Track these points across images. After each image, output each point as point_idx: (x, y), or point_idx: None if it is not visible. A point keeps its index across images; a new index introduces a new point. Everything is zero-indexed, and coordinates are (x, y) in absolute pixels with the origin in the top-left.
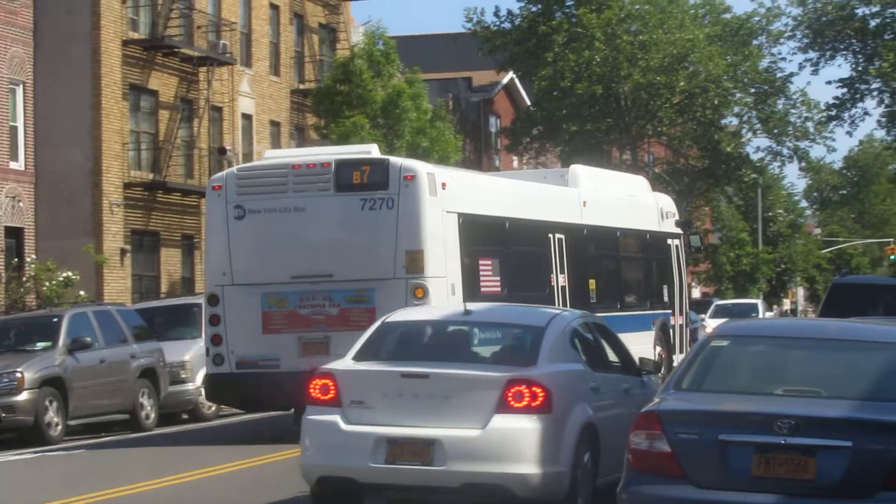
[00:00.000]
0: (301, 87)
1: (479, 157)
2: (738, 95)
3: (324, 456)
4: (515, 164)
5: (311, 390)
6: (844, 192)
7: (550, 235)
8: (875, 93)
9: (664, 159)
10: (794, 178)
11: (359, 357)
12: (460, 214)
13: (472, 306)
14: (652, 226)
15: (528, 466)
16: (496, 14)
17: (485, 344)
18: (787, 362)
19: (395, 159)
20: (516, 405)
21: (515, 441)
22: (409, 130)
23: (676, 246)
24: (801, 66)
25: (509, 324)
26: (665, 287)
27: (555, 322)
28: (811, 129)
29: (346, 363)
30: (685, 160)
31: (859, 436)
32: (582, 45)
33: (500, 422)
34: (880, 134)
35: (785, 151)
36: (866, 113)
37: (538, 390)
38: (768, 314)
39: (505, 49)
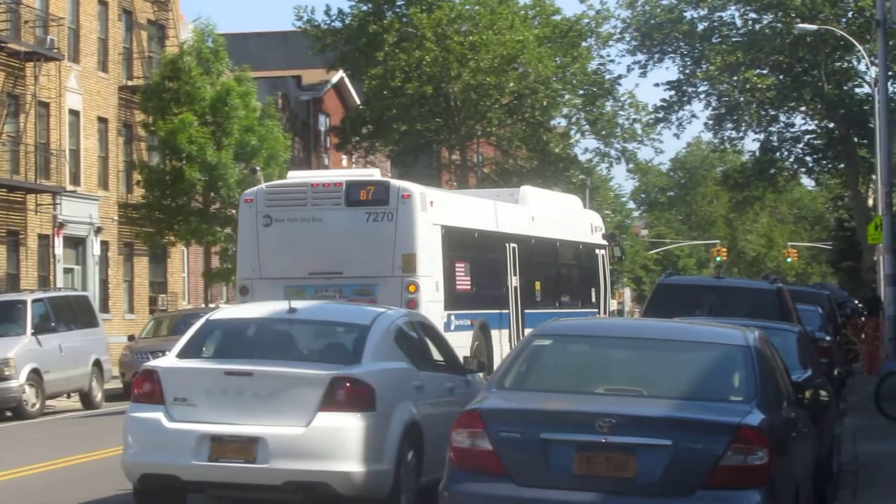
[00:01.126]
0: (129, 83)
1: (308, 155)
2: (567, 97)
3: (146, 453)
4: (345, 162)
5: (135, 388)
6: (672, 193)
7: (507, 244)
8: (702, 95)
9: (493, 159)
10: (621, 179)
11: (182, 354)
12: (443, 226)
13: (297, 304)
14: (584, 238)
15: (352, 464)
16: (327, 13)
17: (309, 342)
18: (609, 361)
19: (394, 181)
20: (340, 403)
21: (339, 439)
22: (237, 128)
23: (602, 255)
24: (629, 69)
25: (334, 322)
26: (593, 290)
27: (379, 321)
28: (639, 131)
29: (169, 361)
30: (514, 161)
31: (679, 435)
32: (412, 44)
33: (324, 420)
34: (707, 136)
35: (613, 153)
36: (693, 115)
37: (362, 388)
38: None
39: (335, 48)
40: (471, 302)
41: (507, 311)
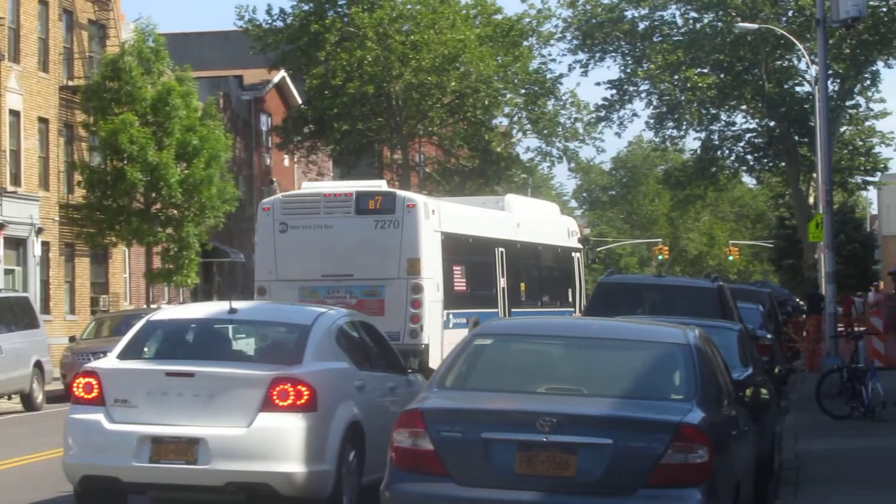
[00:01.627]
0: (70, 83)
1: (249, 155)
2: (509, 96)
3: (87, 455)
4: (286, 162)
5: (75, 389)
6: (613, 192)
7: (496, 249)
8: (643, 94)
9: (435, 159)
10: (563, 178)
11: (123, 355)
12: (443, 233)
13: (237, 304)
14: (562, 241)
15: (293, 465)
16: (268, 12)
17: (250, 342)
18: (550, 361)
19: (400, 192)
20: (281, 404)
21: (280, 439)
22: (178, 128)
23: (577, 258)
24: (570, 68)
25: (275, 322)
26: (570, 290)
27: (320, 321)
28: (580, 130)
29: (110, 362)
30: (456, 160)
31: (619, 433)
32: (354, 44)
33: (265, 420)
34: (648, 135)
35: (554, 152)
36: (635, 114)
37: (303, 389)
38: None
39: (277, 47)
40: (466, 301)
41: (496, 309)
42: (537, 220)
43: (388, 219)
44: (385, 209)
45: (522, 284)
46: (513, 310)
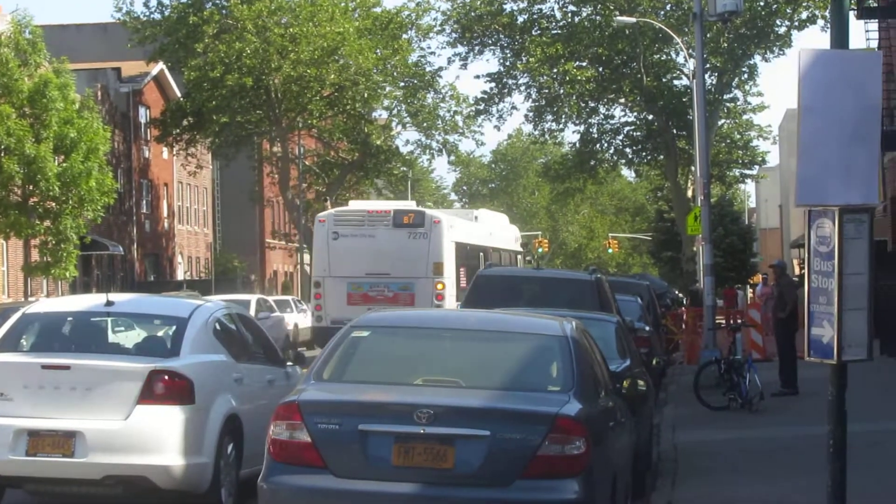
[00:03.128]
0: None
1: (128, 148)
2: (388, 89)
3: None
4: (165, 154)
5: None
6: (493, 185)
7: (480, 253)
8: (522, 87)
9: (314, 152)
10: (443, 171)
11: None
12: (456, 242)
13: (114, 297)
14: (513, 246)
15: (171, 458)
16: (146, 4)
17: (128, 335)
18: (428, 352)
19: (428, 211)
20: (158, 396)
21: (157, 432)
22: (56, 121)
23: (520, 258)
24: (450, 61)
25: (152, 315)
26: None
27: (198, 313)
28: (460, 123)
29: None
30: (335, 153)
31: (497, 425)
32: (232, 36)
33: (142, 413)
34: (528, 128)
35: (434, 145)
36: (514, 107)
37: (180, 381)
38: None
39: (155, 40)
40: None
41: None
42: (499, 229)
43: (418, 231)
44: (416, 224)
45: None
46: None
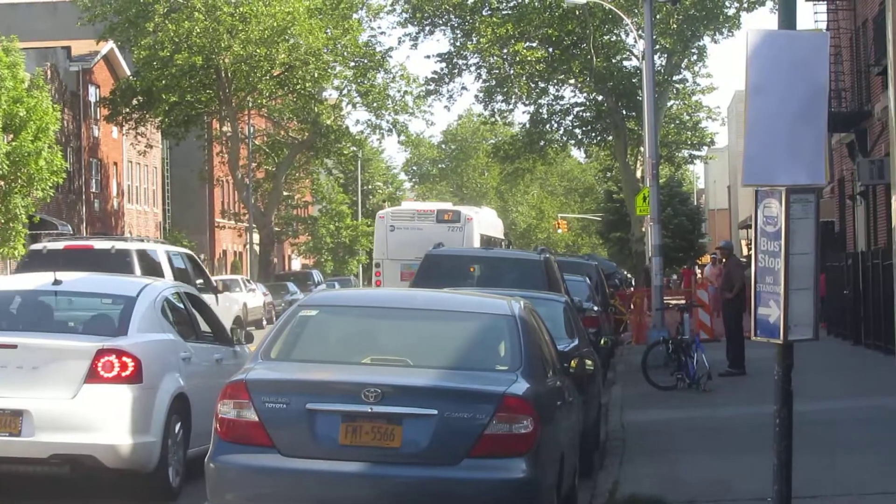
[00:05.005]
0: None
1: (77, 127)
2: (339, 69)
3: None
4: (115, 134)
5: None
6: (443, 166)
7: (491, 240)
8: (473, 68)
9: (264, 131)
10: (393, 151)
11: None
12: (481, 234)
13: (62, 276)
14: (501, 234)
15: (118, 436)
16: None
17: (75, 314)
18: (376, 332)
19: (464, 210)
20: (106, 375)
21: (104, 411)
22: (5, 100)
23: (504, 244)
24: (400, 41)
25: (100, 293)
26: None
27: (145, 292)
28: (410, 104)
29: None
30: (285, 132)
31: (444, 404)
32: (182, 15)
33: (90, 392)
34: (478, 109)
35: (384, 125)
36: (464, 88)
37: (128, 360)
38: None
39: (105, 18)
40: None
41: None
42: (492, 220)
43: (455, 225)
44: (454, 220)
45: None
46: None
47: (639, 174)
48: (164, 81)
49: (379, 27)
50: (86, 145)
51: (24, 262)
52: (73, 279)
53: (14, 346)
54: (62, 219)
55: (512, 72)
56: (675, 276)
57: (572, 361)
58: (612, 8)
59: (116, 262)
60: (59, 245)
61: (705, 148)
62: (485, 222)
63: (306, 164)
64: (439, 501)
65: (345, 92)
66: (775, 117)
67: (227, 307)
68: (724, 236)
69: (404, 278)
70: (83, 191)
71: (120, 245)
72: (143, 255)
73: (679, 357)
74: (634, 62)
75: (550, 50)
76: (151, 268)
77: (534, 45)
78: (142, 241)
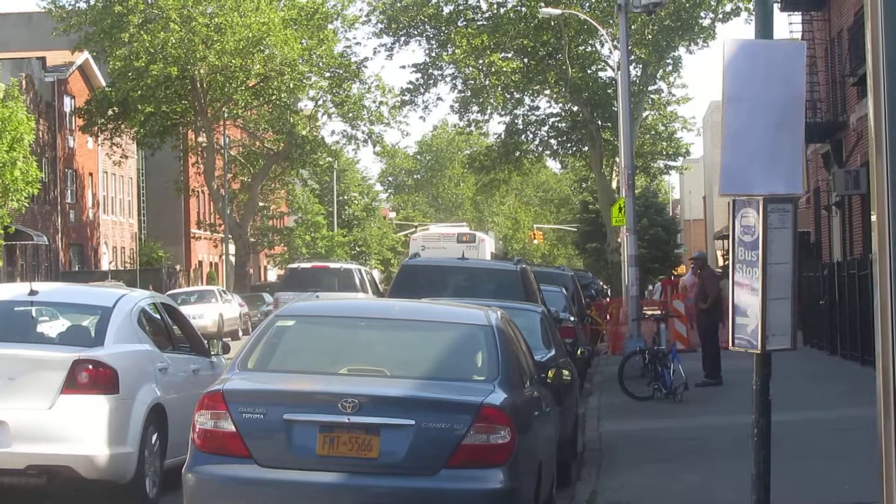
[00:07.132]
0: None
1: (53, 137)
2: (314, 79)
3: None
4: (91, 144)
5: None
6: (418, 176)
7: (495, 256)
8: (448, 78)
9: (240, 142)
10: (369, 162)
11: None
12: (492, 252)
13: (38, 286)
14: (502, 253)
15: (94, 447)
16: None
17: (52, 324)
18: (353, 342)
19: (479, 233)
20: (82, 385)
21: (81, 421)
22: None
23: (494, 256)
24: (375, 52)
25: (76, 304)
26: None
27: (122, 303)
28: (385, 114)
29: None
30: (261, 143)
31: (422, 414)
32: (157, 26)
33: (67, 402)
34: (453, 119)
35: (360, 135)
36: (440, 98)
37: (104, 370)
38: None
39: (80, 29)
40: None
41: None
42: (496, 241)
43: (472, 245)
44: (470, 240)
45: None
46: None
47: (614, 185)
48: (139, 92)
49: (354, 38)
50: (61, 156)
51: (285, 277)
52: (49, 289)
53: None
54: (38, 229)
55: (487, 82)
56: (650, 287)
57: (549, 372)
58: (588, 19)
59: (345, 278)
60: (308, 265)
61: (681, 158)
62: (491, 242)
63: (282, 174)
64: None
65: (320, 102)
66: (752, 126)
67: None
68: (700, 247)
69: None
70: (58, 201)
71: (344, 266)
72: (358, 272)
73: (656, 367)
74: (610, 73)
75: (526, 61)
76: (361, 282)
77: (509, 55)
78: (348, 263)
